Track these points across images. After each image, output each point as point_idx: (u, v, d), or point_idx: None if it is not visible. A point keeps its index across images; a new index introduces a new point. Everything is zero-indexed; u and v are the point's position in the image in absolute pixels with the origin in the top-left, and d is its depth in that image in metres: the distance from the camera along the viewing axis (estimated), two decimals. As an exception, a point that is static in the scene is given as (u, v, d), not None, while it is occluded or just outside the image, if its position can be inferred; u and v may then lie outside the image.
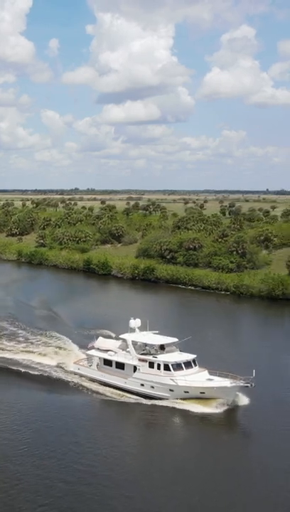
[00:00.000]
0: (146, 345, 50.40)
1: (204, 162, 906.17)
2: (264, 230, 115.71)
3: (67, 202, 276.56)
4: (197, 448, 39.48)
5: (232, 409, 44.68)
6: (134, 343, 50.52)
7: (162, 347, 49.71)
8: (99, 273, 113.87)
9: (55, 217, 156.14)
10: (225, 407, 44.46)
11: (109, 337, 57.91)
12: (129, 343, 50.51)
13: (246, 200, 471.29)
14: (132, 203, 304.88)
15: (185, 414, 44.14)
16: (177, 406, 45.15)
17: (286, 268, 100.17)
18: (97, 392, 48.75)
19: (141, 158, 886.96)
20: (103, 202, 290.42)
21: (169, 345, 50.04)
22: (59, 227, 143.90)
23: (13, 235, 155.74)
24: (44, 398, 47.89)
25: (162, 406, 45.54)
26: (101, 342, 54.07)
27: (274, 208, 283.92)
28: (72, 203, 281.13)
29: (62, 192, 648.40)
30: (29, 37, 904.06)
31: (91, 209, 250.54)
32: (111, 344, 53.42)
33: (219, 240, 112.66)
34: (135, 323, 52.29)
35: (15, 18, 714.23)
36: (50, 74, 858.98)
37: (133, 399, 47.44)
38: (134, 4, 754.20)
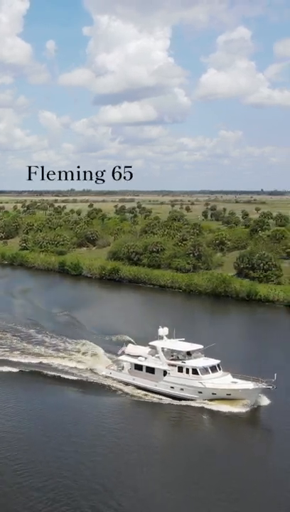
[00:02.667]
0: (173, 351, 55.11)
1: (201, 162, 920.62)
2: (219, 234, 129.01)
3: (56, 206, 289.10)
4: (221, 444, 44.18)
5: (255, 409, 49.57)
6: (163, 350, 55.19)
7: (189, 353, 54.21)
8: (71, 273, 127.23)
9: (38, 221, 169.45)
10: (249, 408, 49.23)
11: (130, 342, 64.51)
12: (159, 349, 55.05)
13: (237, 202, 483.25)
14: (120, 205, 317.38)
15: (212, 413, 49.00)
16: (205, 406, 50.03)
17: (234, 269, 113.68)
18: (129, 394, 53.62)
19: (138, 158, 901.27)
20: (91, 205, 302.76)
21: (195, 351, 54.44)
22: (40, 231, 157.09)
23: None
24: (80, 399, 52.69)
25: (191, 406, 50.40)
26: (131, 348, 59.05)
27: (258, 209, 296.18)
28: (62, 206, 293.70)
29: (58, 193, 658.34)
30: (26, 38, 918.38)
31: (78, 212, 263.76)
32: (141, 350, 57.89)
33: (179, 243, 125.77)
34: (163, 331, 56.72)
35: (12, 19, 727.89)
36: (47, 75, 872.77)
37: (163, 400, 52.15)
38: (131, 6, 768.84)
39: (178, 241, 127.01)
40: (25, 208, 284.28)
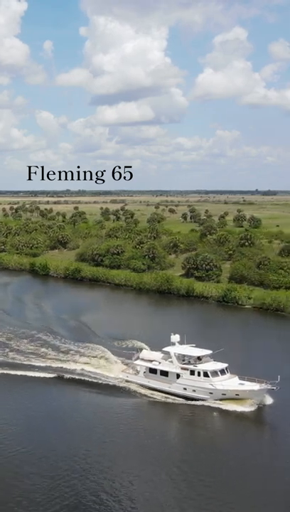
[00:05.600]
0: (185, 356, 60.18)
1: (198, 162, 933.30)
2: (173, 238, 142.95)
3: (43, 208, 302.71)
4: (232, 440, 49.71)
5: (261, 408, 54.78)
6: (175, 355, 60.24)
7: (199, 358, 59.24)
8: (40, 273, 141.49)
9: (16, 225, 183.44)
10: (255, 406, 54.49)
11: (143, 348, 69.98)
12: (172, 354, 60.10)
13: (225, 203, 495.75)
14: (109, 207, 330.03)
15: (222, 412, 54.32)
16: (215, 405, 55.28)
17: (182, 269, 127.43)
18: (146, 395, 58.70)
19: (135, 158, 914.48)
20: (76, 207, 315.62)
21: (204, 356, 59.56)
22: (18, 235, 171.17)
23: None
24: (101, 400, 57.34)
25: (202, 406, 55.69)
26: (145, 354, 63.86)
27: (239, 211, 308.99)
28: (49, 208, 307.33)
29: (53, 194, 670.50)
30: (24, 39, 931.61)
31: (64, 215, 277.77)
32: (154, 356, 62.74)
33: (137, 246, 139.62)
34: (175, 338, 61.74)
35: (10, 21, 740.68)
36: (45, 76, 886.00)
37: (176, 400, 57.19)
38: (127, 7, 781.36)
39: (136, 244, 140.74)
40: (14, 211, 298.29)
